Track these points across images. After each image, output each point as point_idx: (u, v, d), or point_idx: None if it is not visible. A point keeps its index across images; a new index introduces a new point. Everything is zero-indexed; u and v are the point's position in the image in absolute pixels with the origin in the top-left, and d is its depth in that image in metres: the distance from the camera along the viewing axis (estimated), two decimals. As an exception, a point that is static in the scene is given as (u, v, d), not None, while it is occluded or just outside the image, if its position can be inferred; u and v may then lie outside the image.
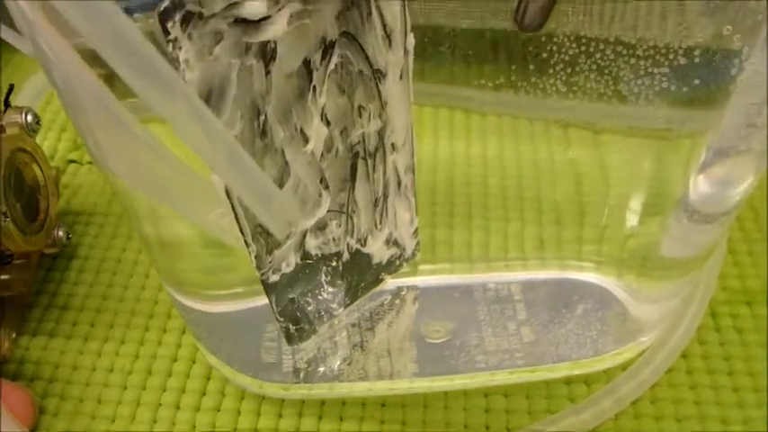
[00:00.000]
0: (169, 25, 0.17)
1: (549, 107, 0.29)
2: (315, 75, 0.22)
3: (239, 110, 0.20)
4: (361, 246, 0.28)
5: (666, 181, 0.30)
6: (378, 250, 0.29)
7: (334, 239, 0.27)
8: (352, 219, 0.27)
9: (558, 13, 0.24)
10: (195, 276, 0.30)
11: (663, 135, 0.28)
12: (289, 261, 0.26)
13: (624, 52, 0.24)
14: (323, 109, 0.23)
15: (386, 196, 0.27)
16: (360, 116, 0.24)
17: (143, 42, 0.16)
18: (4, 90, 0.37)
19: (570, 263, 0.35)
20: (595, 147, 0.31)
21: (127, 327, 0.37)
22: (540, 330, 0.34)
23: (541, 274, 0.35)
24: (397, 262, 0.30)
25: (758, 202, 0.41)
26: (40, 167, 0.37)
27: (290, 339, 0.29)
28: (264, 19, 0.19)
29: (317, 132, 0.23)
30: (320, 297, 0.28)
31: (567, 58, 0.25)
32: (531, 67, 0.26)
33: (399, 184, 0.27)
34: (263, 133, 0.21)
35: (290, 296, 0.27)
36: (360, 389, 0.33)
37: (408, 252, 0.30)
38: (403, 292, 0.34)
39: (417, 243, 0.30)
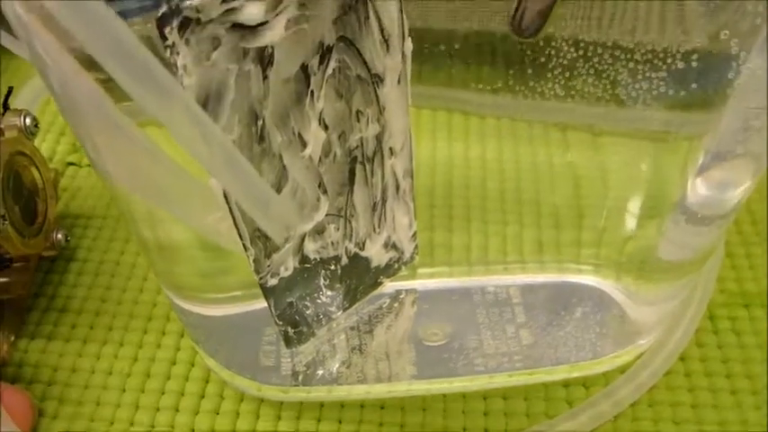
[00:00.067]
0: (167, 31, 0.17)
1: (547, 110, 0.29)
2: (312, 79, 0.22)
3: (237, 115, 0.20)
4: (360, 249, 0.28)
5: (664, 184, 0.30)
6: (376, 254, 0.29)
7: (332, 243, 0.27)
8: (350, 223, 0.27)
9: (556, 17, 0.24)
10: (193, 280, 0.30)
11: (661, 138, 0.28)
12: (287, 265, 0.26)
13: (622, 56, 0.24)
14: (321, 114, 0.23)
15: (384, 200, 0.27)
16: (358, 121, 0.24)
17: (139, 47, 0.17)
18: (3, 93, 0.37)
19: (569, 266, 0.35)
20: (594, 149, 0.31)
21: (125, 329, 0.37)
22: (539, 333, 0.34)
23: (540, 277, 0.35)
24: (396, 265, 0.30)
25: (756, 205, 0.41)
26: (39, 170, 0.37)
27: (288, 342, 0.29)
28: (262, 24, 0.19)
29: (315, 137, 0.23)
30: (319, 300, 0.29)
31: (565, 62, 0.25)
32: (530, 71, 0.26)
33: (398, 188, 0.27)
34: (261, 138, 0.21)
35: (289, 300, 0.27)
36: (358, 391, 0.33)
37: (407, 255, 0.30)
38: (402, 296, 0.34)
39: (416, 246, 0.30)
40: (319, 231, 0.26)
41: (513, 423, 0.33)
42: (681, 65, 0.24)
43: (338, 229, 0.26)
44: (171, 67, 0.18)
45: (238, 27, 0.19)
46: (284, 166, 0.22)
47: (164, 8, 0.17)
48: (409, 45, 0.23)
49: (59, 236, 0.38)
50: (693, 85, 0.24)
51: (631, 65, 0.25)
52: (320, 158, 0.24)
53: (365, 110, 0.24)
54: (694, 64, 0.23)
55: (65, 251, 0.40)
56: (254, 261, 0.24)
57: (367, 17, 0.22)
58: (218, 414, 0.34)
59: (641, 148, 0.29)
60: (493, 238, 0.36)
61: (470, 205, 0.36)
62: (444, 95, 0.32)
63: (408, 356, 0.33)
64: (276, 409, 0.34)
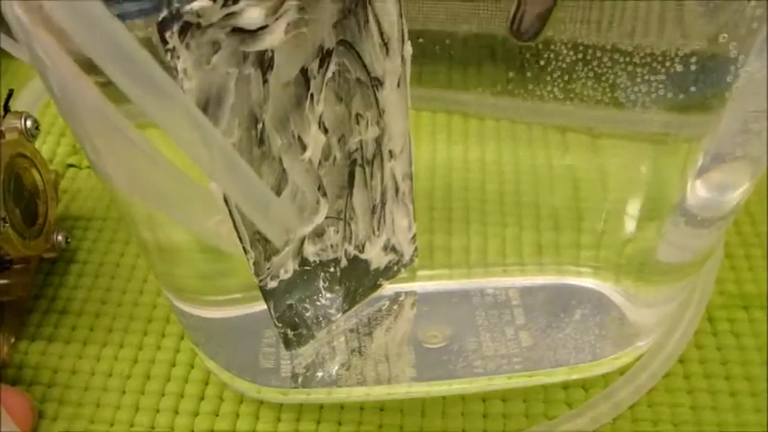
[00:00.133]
0: (167, 35, 0.17)
1: (546, 112, 0.29)
2: (312, 83, 0.22)
3: (237, 118, 0.20)
4: (359, 252, 0.28)
5: (664, 185, 0.30)
6: (375, 256, 0.29)
7: (332, 246, 0.27)
8: (349, 225, 0.27)
9: (555, 20, 0.24)
10: (193, 282, 0.31)
11: (660, 139, 0.28)
12: (287, 268, 0.26)
13: (621, 60, 0.25)
14: (320, 117, 0.23)
15: (383, 203, 0.27)
16: (357, 124, 0.24)
17: (139, 50, 0.17)
18: (4, 96, 0.37)
19: (568, 268, 0.35)
20: (593, 151, 0.31)
21: (125, 331, 0.37)
22: (538, 335, 0.34)
23: (539, 280, 0.35)
24: (395, 268, 0.30)
25: (755, 206, 0.41)
26: (39, 172, 0.37)
27: (288, 345, 0.29)
28: (262, 28, 0.19)
29: (315, 140, 0.23)
30: (318, 303, 0.29)
31: (564, 65, 0.25)
32: (529, 73, 0.26)
33: (397, 190, 0.27)
34: (261, 141, 0.21)
35: (289, 302, 0.27)
36: (358, 394, 0.33)
37: (406, 258, 0.30)
38: (401, 298, 0.34)
39: (415, 249, 0.30)
40: (319, 234, 0.26)
41: (512, 425, 0.33)
42: (679, 68, 0.24)
43: (338, 232, 0.26)
44: (171, 70, 0.18)
45: (238, 31, 0.19)
46: (284, 170, 0.23)
47: (164, 13, 0.17)
48: (409, 49, 0.23)
49: (60, 238, 0.38)
50: (692, 89, 0.24)
51: (630, 68, 0.25)
52: (320, 161, 0.24)
53: (365, 113, 0.24)
54: (693, 67, 0.23)
55: (65, 253, 0.41)
56: (253, 264, 0.24)
57: (367, 21, 0.22)
58: (217, 416, 0.34)
59: (641, 150, 0.29)
60: (492, 240, 0.36)
61: (470, 207, 0.36)
62: (444, 97, 0.32)
63: (408, 358, 0.34)
64: (276, 410, 0.34)
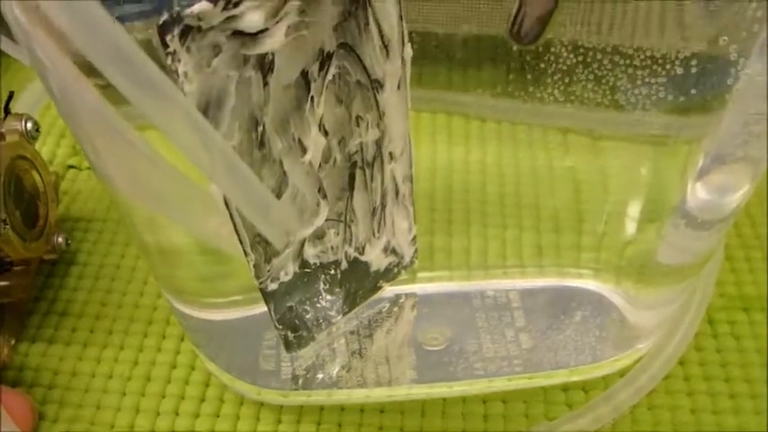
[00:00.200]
0: (168, 38, 0.17)
1: (547, 114, 0.29)
2: (313, 86, 0.22)
3: (237, 121, 0.20)
4: (360, 254, 0.28)
5: (664, 187, 0.30)
6: (376, 258, 0.29)
7: (332, 248, 0.27)
8: (350, 227, 0.27)
9: (556, 23, 0.24)
10: (194, 284, 0.31)
11: (661, 141, 0.28)
12: (287, 270, 0.26)
13: (621, 62, 0.25)
14: (321, 119, 0.23)
15: (384, 205, 0.27)
16: (358, 126, 0.24)
17: (138, 53, 0.17)
18: (4, 97, 0.37)
19: (568, 270, 0.35)
20: (594, 153, 0.31)
21: (125, 333, 0.37)
22: (539, 337, 0.34)
23: (540, 282, 0.35)
24: (396, 270, 0.30)
25: (755, 208, 0.41)
26: (40, 174, 0.37)
27: (288, 347, 0.29)
28: (262, 31, 0.19)
29: (315, 142, 0.23)
30: (319, 305, 0.29)
31: (564, 67, 0.25)
32: (529, 76, 0.26)
33: (397, 193, 0.27)
34: (262, 144, 0.21)
35: (289, 304, 0.27)
36: (358, 395, 0.33)
37: (406, 260, 0.30)
38: (401, 300, 0.34)
39: (415, 251, 0.30)
40: (319, 236, 0.26)
41: (513, 426, 0.33)
42: (680, 70, 0.24)
43: (338, 234, 0.26)
44: (172, 74, 0.18)
45: (239, 34, 0.19)
46: (284, 172, 0.23)
47: (165, 16, 0.17)
48: (409, 51, 0.23)
49: (60, 239, 0.38)
50: (693, 91, 0.24)
51: (631, 70, 0.25)
52: (320, 164, 0.24)
53: (365, 115, 0.24)
54: (693, 70, 0.23)
55: (65, 255, 0.41)
56: (254, 266, 0.24)
57: (367, 23, 0.22)
58: (218, 418, 0.34)
59: (641, 152, 0.29)
60: (492, 241, 0.36)
61: (470, 209, 0.36)
62: (444, 99, 0.32)
63: (408, 360, 0.34)
64: (276, 412, 0.34)
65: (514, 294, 0.35)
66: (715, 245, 0.32)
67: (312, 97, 0.22)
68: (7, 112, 0.36)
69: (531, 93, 0.27)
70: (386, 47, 0.23)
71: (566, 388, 0.34)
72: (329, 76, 0.22)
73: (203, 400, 0.35)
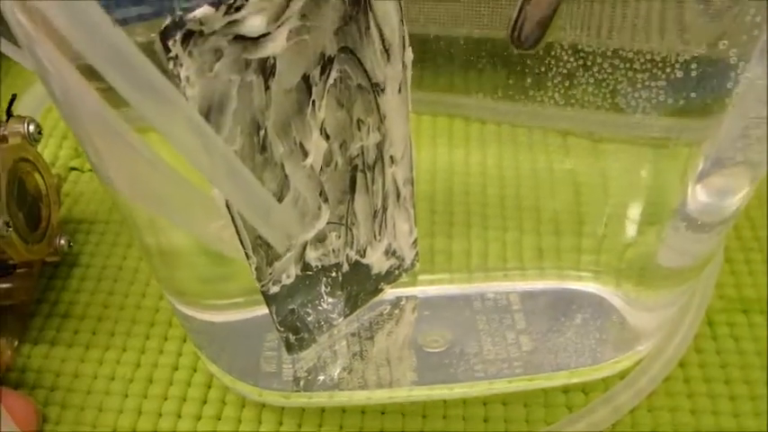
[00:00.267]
0: (170, 43, 0.18)
1: (547, 116, 0.29)
2: (314, 90, 0.22)
3: (239, 125, 0.20)
4: (361, 257, 0.28)
5: (664, 190, 0.30)
6: (377, 261, 0.29)
7: (333, 251, 0.27)
8: (351, 230, 0.27)
9: (556, 27, 0.24)
10: (195, 286, 0.31)
11: (661, 144, 0.28)
12: (289, 272, 0.26)
13: (621, 66, 0.25)
14: (322, 123, 0.23)
15: (385, 208, 0.27)
16: (359, 129, 0.24)
17: (138, 55, 0.17)
18: (7, 100, 0.37)
19: (569, 272, 0.35)
20: (594, 156, 0.31)
21: (128, 335, 0.38)
22: (539, 339, 0.34)
23: (540, 284, 0.36)
24: (397, 272, 0.30)
25: (755, 211, 0.41)
26: (42, 176, 0.37)
27: (290, 349, 0.29)
28: (264, 36, 0.19)
29: (317, 146, 0.23)
30: (320, 307, 0.29)
31: (564, 71, 0.26)
32: (529, 79, 0.26)
33: (398, 195, 0.27)
34: (263, 148, 0.21)
35: (291, 307, 0.27)
36: (359, 397, 0.34)
37: (407, 262, 0.30)
38: (402, 302, 0.35)
39: (416, 253, 0.30)
40: (321, 239, 0.26)
41: (513, 428, 0.33)
42: (680, 74, 0.24)
43: (339, 237, 0.27)
44: (174, 78, 0.18)
45: (241, 39, 0.19)
46: (286, 176, 0.23)
47: (167, 21, 0.17)
48: (410, 54, 0.24)
49: (62, 241, 0.38)
50: (692, 94, 0.24)
51: (631, 74, 0.25)
52: (321, 167, 0.24)
53: (366, 119, 0.24)
54: (693, 73, 0.24)
55: (68, 257, 0.41)
56: (256, 269, 0.24)
57: (368, 27, 0.22)
58: (219, 419, 0.34)
59: (641, 154, 0.29)
60: (493, 244, 0.36)
61: (470, 211, 0.36)
62: (445, 101, 0.32)
63: (409, 362, 0.34)
64: (278, 414, 0.34)
65: (515, 297, 0.35)
66: (715, 247, 0.32)
67: (313, 101, 0.22)
68: (10, 114, 0.36)
69: (531, 96, 0.27)
70: (387, 51, 0.23)
71: (566, 390, 0.34)
72: (330, 80, 0.22)
73: (205, 402, 0.35)
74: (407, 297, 0.35)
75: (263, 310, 0.27)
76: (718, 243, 0.31)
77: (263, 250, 0.24)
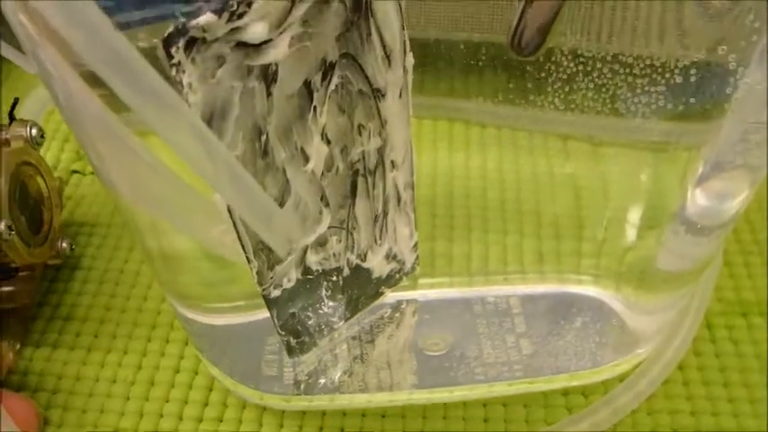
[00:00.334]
0: (173, 50, 0.18)
1: (548, 120, 0.29)
2: (315, 95, 0.22)
3: (241, 131, 0.20)
4: (362, 261, 0.28)
5: (664, 194, 0.30)
6: (378, 265, 0.29)
7: (334, 255, 0.27)
8: (352, 235, 0.27)
9: (556, 33, 0.24)
10: (197, 289, 0.31)
11: (661, 148, 0.28)
12: (290, 276, 0.26)
13: (621, 71, 0.25)
14: (323, 128, 0.23)
15: (386, 212, 0.27)
16: (360, 135, 0.24)
17: (140, 62, 0.17)
18: (9, 103, 0.37)
19: (569, 276, 0.35)
20: (594, 160, 0.32)
21: (129, 337, 0.38)
22: (539, 343, 0.34)
23: (540, 288, 0.36)
24: (397, 276, 0.30)
25: (754, 214, 0.41)
26: (44, 179, 0.37)
27: (290, 352, 0.29)
28: (266, 42, 0.19)
29: (318, 151, 0.23)
30: (321, 311, 0.29)
31: (565, 76, 0.26)
32: (530, 84, 0.27)
33: (399, 200, 0.27)
34: (265, 153, 0.21)
35: (292, 310, 0.28)
36: (360, 400, 0.34)
37: (408, 266, 0.30)
38: (403, 306, 0.35)
39: (417, 257, 0.30)
40: (321, 243, 0.26)
41: (513, 429, 0.33)
42: (679, 79, 0.24)
43: (340, 241, 0.27)
44: (176, 84, 0.18)
45: (243, 45, 0.19)
46: (287, 180, 0.23)
47: (170, 28, 0.17)
48: (410, 60, 0.24)
49: (64, 244, 0.38)
50: (692, 99, 0.24)
51: (630, 79, 0.25)
52: (323, 172, 0.24)
53: (367, 124, 0.24)
54: (692, 78, 0.24)
55: (70, 260, 0.41)
56: (257, 273, 0.24)
57: (369, 33, 0.22)
58: (221, 422, 0.34)
59: (641, 158, 0.29)
60: (493, 247, 0.36)
61: (471, 215, 0.36)
62: (446, 105, 0.33)
63: (409, 366, 0.34)
64: (278, 417, 0.34)
65: (515, 300, 0.35)
66: (714, 251, 0.32)
67: (315, 107, 0.22)
68: (12, 118, 0.36)
69: (531, 100, 0.27)
70: (388, 56, 0.23)
71: (566, 392, 0.34)
72: (332, 86, 0.22)
73: (206, 405, 0.35)
74: (408, 300, 0.35)
75: (264, 313, 0.27)
76: (717, 246, 0.31)
77: (265, 254, 0.24)
